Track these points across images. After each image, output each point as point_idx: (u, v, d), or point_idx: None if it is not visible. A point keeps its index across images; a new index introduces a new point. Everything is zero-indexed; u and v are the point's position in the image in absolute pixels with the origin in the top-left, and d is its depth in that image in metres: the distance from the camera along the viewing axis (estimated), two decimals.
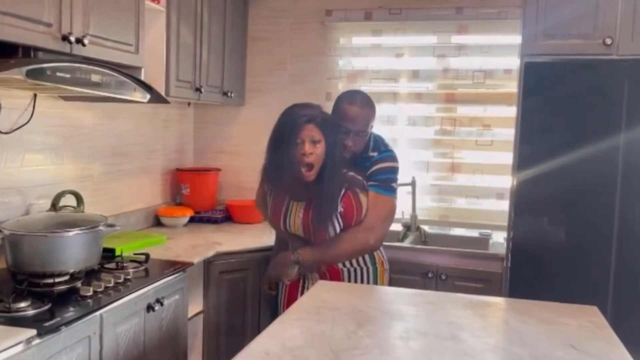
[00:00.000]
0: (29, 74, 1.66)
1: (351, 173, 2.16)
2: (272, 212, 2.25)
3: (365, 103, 2.27)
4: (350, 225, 2.16)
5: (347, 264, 2.24)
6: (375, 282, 2.29)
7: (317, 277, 2.22)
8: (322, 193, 2.08)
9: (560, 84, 2.54)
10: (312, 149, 2.04)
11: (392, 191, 2.23)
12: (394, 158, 2.28)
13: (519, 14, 2.72)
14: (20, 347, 1.53)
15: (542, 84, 2.55)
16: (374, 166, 2.22)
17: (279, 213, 2.21)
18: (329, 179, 2.07)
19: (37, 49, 1.84)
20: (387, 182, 2.21)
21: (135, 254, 2.37)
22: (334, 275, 2.24)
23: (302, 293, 2.24)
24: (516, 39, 2.71)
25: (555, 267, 2.56)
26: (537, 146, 2.57)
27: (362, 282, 2.26)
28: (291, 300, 2.18)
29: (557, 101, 2.54)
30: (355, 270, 2.26)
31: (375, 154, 2.25)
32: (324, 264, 2.21)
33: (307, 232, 2.17)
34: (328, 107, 3.42)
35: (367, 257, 2.27)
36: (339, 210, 2.11)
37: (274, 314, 2.37)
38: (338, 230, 2.15)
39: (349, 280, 2.23)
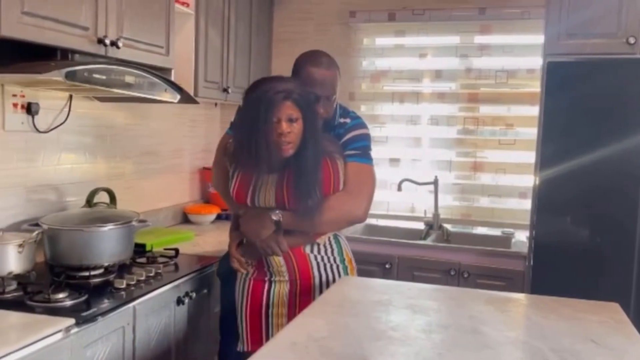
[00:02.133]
0: (68, 76, 1.74)
1: (326, 141, 2.00)
2: (238, 189, 2.00)
3: (331, 63, 2.09)
4: (328, 193, 1.97)
5: (315, 249, 2.04)
6: None
7: (283, 265, 2.01)
8: (303, 168, 1.90)
9: (583, 83, 2.55)
10: (290, 127, 1.86)
11: (372, 159, 2.11)
12: (365, 124, 2.13)
13: (542, 13, 2.74)
14: (59, 335, 1.61)
15: (564, 83, 2.57)
16: (348, 133, 2.06)
17: (246, 189, 1.98)
18: (312, 156, 1.90)
19: (74, 52, 1.93)
20: (365, 150, 2.08)
21: (165, 249, 2.45)
22: (301, 260, 2.02)
23: (267, 294, 2.05)
24: (539, 38, 2.73)
25: (578, 266, 2.57)
26: (560, 145, 2.59)
27: (332, 277, 2.07)
28: (255, 296, 2.05)
29: (579, 100, 2.56)
30: (323, 261, 2.06)
31: (348, 120, 2.09)
32: (305, 231, 2.00)
33: (280, 203, 1.95)
34: (352, 107, 3.50)
35: (335, 252, 2.09)
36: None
37: (227, 305, 2.23)
38: (316, 198, 1.95)
39: (318, 271, 2.04)
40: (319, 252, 2.05)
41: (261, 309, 2.06)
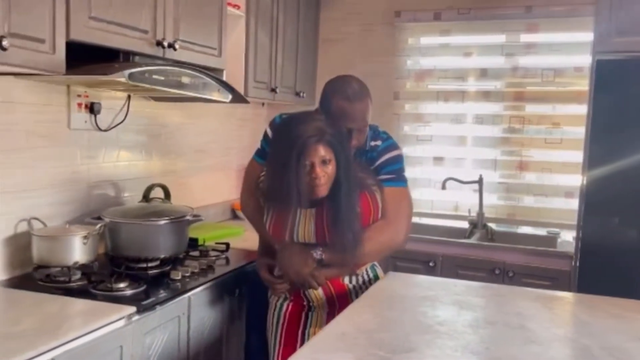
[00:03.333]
0: (130, 77, 1.84)
1: (361, 173, 1.96)
2: (275, 225, 1.93)
3: (362, 93, 1.97)
4: (368, 224, 1.94)
5: (354, 280, 2.00)
6: None
7: (322, 297, 1.96)
8: (340, 206, 1.85)
9: (633, 82, 2.52)
10: (323, 170, 1.81)
11: (406, 181, 2.06)
12: (397, 145, 2.07)
13: (590, 10, 2.72)
14: (122, 322, 1.71)
15: (614, 81, 2.54)
16: (381, 157, 2.01)
17: (284, 224, 1.91)
18: (346, 193, 1.86)
19: (134, 54, 2.03)
20: (400, 172, 2.03)
21: (216, 243, 2.55)
22: (339, 290, 1.97)
23: (304, 325, 1.99)
24: (587, 36, 2.71)
25: (626, 267, 2.55)
26: (608, 145, 2.57)
27: None
28: (292, 321, 1.99)
29: (629, 99, 2.53)
30: (360, 287, 2.01)
31: (379, 142, 2.03)
32: (346, 265, 1.94)
33: (320, 238, 1.90)
34: (396, 107, 3.54)
35: (371, 274, 2.05)
36: (356, 212, 1.91)
37: (256, 330, 2.19)
38: (356, 233, 1.90)
39: (356, 297, 1.96)
40: (357, 282, 2.01)
41: (297, 331, 2.00)
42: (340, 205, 1.85)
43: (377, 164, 2.01)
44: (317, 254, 1.87)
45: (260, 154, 2.10)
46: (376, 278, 2.06)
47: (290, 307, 2.02)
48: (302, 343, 1.94)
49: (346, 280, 1.99)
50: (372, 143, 2.03)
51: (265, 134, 2.05)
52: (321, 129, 1.81)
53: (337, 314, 1.87)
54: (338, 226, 1.85)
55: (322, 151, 1.80)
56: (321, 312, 1.98)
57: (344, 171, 1.85)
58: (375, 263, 2.11)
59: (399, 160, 2.04)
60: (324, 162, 1.81)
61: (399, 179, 2.02)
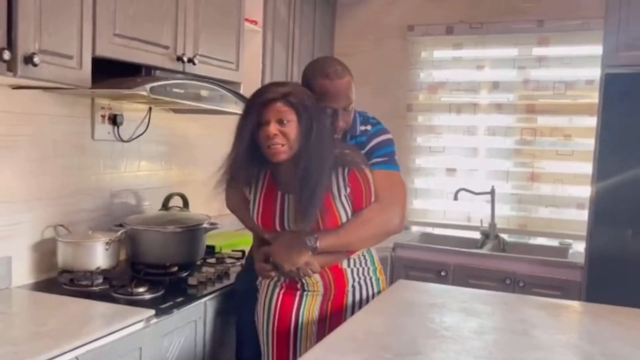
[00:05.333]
0: (152, 90, 1.93)
1: (347, 150, 1.85)
2: (263, 215, 1.86)
3: (342, 70, 1.91)
4: (361, 206, 1.84)
5: (351, 263, 1.91)
6: (379, 292, 1.99)
7: (319, 281, 1.88)
8: (306, 177, 1.72)
9: None
10: (278, 130, 1.69)
11: (398, 165, 1.99)
12: (387, 129, 2.01)
13: (600, 24, 2.75)
14: (141, 325, 1.78)
15: (623, 95, 2.58)
16: (372, 141, 1.96)
17: (272, 213, 1.84)
18: (314, 164, 1.72)
19: (156, 68, 2.12)
20: (392, 155, 1.96)
21: (232, 250, 2.63)
22: (337, 275, 1.89)
23: (297, 313, 1.91)
24: (598, 49, 2.75)
25: (634, 278, 2.57)
26: (618, 157, 2.60)
27: (366, 291, 1.95)
28: (284, 314, 1.91)
29: (638, 112, 2.56)
30: (359, 275, 1.93)
31: (369, 127, 1.98)
32: (341, 251, 1.87)
33: (314, 225, 1.79)
34: (409, 118, 3.60)
35: (369, 262, 1.96)
36: (346, 192, 1.80)
37: (245, 330, 2.10)
38: (350, 213, 1.83)
39: (353, 285, 1.92)
40: (354, 265, 1.93)
41: (289, 332, 1.91)
42: (306, 173, 1.72)
43: (368, 148, 1.95)
44: (311, 241, 1.78)
45: None
46: (372, 260, 1.98)
47: (281, 297, 1.93)
48: (296, 326, 1.90)
49: (344, 264, 1.91)
50: (362, 128, 1.99)
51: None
52: (284, 90, 1.72)
53: (333, 297, 1.90)
54: (302, 200, 1.74)
55: (281, 109, 1.69)
56: (315, 300, 1.91)
57: (310, 138, 1.72)
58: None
59: (389, 143, 1.98)
60: (281, 121, 1.70)
61: (392, 162, 1.96)
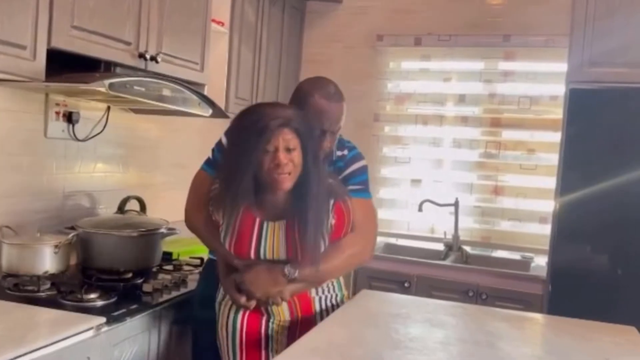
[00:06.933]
0: (111, 87, 1.85)
1: (332, 180, 1.82)
2: (238, 242, 1.73)
3: (340, 95, 1.92)
4: (340, 237, 1.79)
5: (320, 291, 1.86)
6: None
7: (286, 310, 1.81)
8: (310, 208, 1.68)
9: (605, 112, 2.60)
10: (287, 158, 1.65)
11: (371, 193, 1.98)
12: (362, 155, 2.01)
13: (565, 42, 2.80)
14: (91, 333, 1.69)
15: (586, 110, 2.62)
16: (349, 167, 1.94)
17: (248, 240, 1.73)
18: (315, 194, 1.68)
19: (116, 65, 2.04)
20: (366, 183, 1.96)
21: (190, 257, 2.53)
22: (305, 303, 1.83)
23: (266, 328, 1.82)
24: (563, 66, 2.79)
25: (597, 292, 2.59)
26: (581, 172, 2.63)
27: (332, 309, 1.88)
28: (252, 329, 1.81)
29: (601, 128, 2.60)
30: (326, 297, 1.88)
31: (345, 151, 1.97)
32: (317, 281, 1.83)
33: (292, 254, 1.72)
34: (375, 128, 3.58)
35: (335, 284, 1.91)
36: (331, 223, 1.75)
37: (204, 343, 1.99)
38: (327, 243, 1.75)
39: (320, 307, 1.86)
40: (323, 292, 1.88)
41: (260, 342, 1.83)
42: (312, 209, 1.67)
43: (345, 174, 1.93)
44: (291, 272, 1.71)
45: (210, 163, 1.95)
46: (339, 286, 1.94)
47: (247, 315, 1.83)
48: (267, 351, 1.83)
49: (312, 293, 1.85)
50: (339, 153, 1.97)
51: (220, 143, 1.92)
52: (288, 115, 1.66)
53: (299, 325, 1.81)
54: (308, 235, 1.68)
55: (288, 136, 1.64)
56: (282, 323, 1.83)
57: (312, 167, 1.69)
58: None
59: (364, 171, 1.98)
60: (288, 149, 1.65)
61: (366, 191, 1.95)
